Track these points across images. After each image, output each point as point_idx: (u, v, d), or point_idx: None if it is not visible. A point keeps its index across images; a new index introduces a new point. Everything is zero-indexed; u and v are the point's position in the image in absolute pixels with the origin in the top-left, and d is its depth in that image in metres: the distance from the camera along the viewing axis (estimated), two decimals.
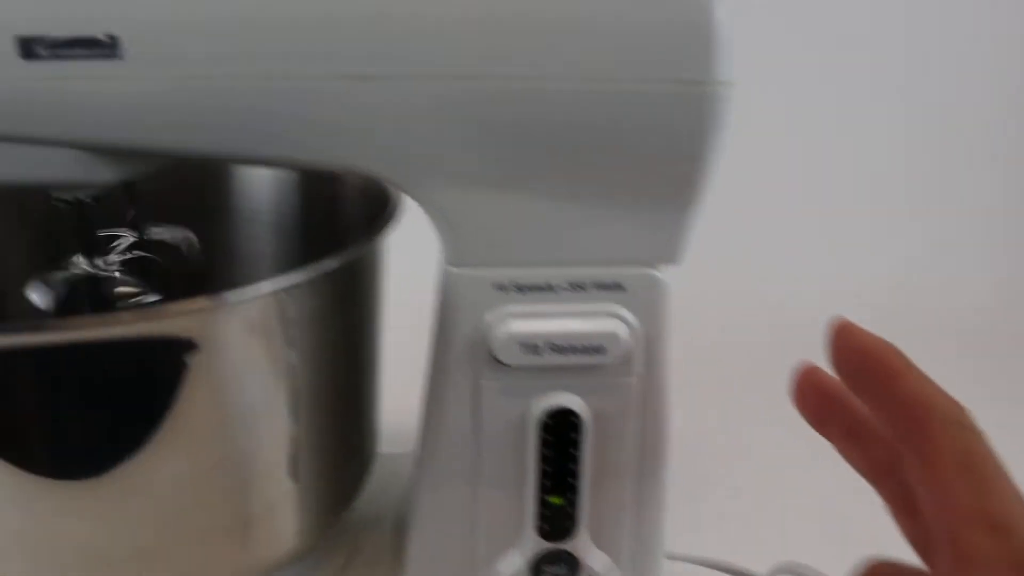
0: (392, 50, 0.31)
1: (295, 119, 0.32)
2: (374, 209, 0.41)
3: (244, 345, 0.34)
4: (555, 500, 0.37)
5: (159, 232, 0.41)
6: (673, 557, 0.46)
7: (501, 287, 0.35)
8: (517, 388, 0.36)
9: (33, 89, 0.31)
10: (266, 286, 0.33)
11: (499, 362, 0.35)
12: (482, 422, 0.37)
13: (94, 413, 0.33)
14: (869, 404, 0.27)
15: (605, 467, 0.37)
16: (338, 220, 0.47)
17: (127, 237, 0.40)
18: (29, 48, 0.31)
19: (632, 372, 0.36)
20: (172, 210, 0.42)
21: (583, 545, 0.38)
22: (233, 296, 0.33)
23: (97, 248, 0.38)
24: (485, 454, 0.37)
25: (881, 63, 0.92)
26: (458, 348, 0.36)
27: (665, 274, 0.35)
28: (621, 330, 0.35)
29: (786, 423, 0.33)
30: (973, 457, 0.24)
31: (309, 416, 0.38)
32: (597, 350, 0.35)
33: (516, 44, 0.31)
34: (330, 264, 0.35)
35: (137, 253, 0.39)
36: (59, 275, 0.37)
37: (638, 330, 0.35)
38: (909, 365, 0.26)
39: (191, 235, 0.42)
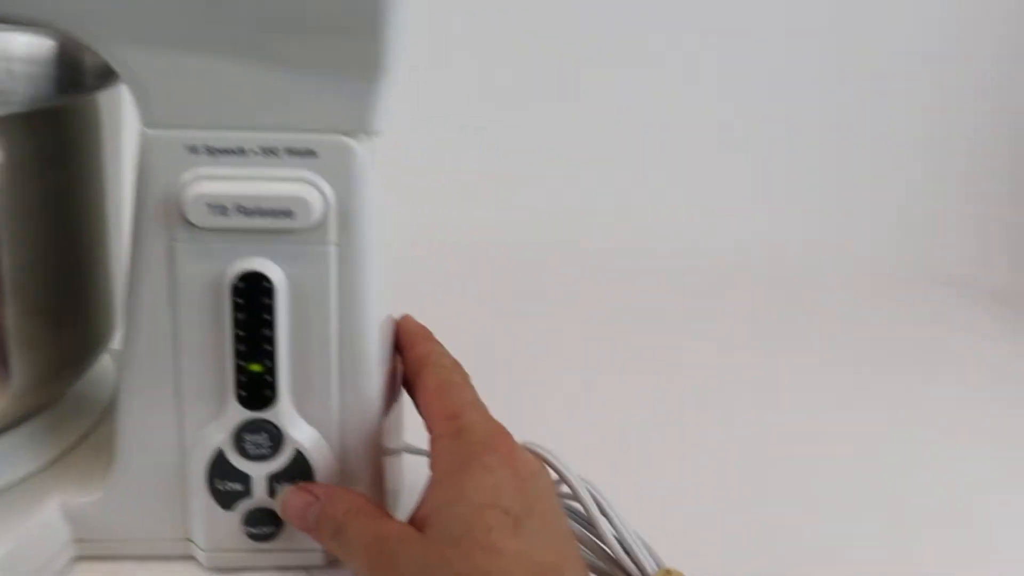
0: None
1: None
2: None
3: None
4: (253, 367, 0.38)
5: None
6: (412, 451, 0.47)
7: (193, 149, 0.36)
8: (211, 252, 0.37)
9: None
10: None
11: (191, 224, 0.36)
12: (178, 287, 0.37)
13: None
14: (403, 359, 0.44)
15: (308, 338, 0.38)
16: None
17: None
18: None
19: (328, 241, 0.37)
20: None
21: (286, 416, 0.39)
22: None
23: None
24: (184, 321, 0.38)
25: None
26: (154, 209, 0.36)
27: (363, 144, 0.37)
28: (311, 195, 0.36)
29: None
30: (445, 384, 0.40)
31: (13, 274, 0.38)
32: (286, 214, 0.36)
33: None
34: (41, 105, 0.35)
35: None
36: None
37: (331, 197, 0.37)
38: (426, 338, 0.44)
39: None
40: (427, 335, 0.44)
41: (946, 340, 0.82)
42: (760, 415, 0.64)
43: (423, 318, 0.47)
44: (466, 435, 0.37)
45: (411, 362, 0.43)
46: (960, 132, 1.04)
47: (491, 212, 0.94)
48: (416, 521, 0.36)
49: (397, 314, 0.45)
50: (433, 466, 0.37)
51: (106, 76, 0.41)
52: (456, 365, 0.42)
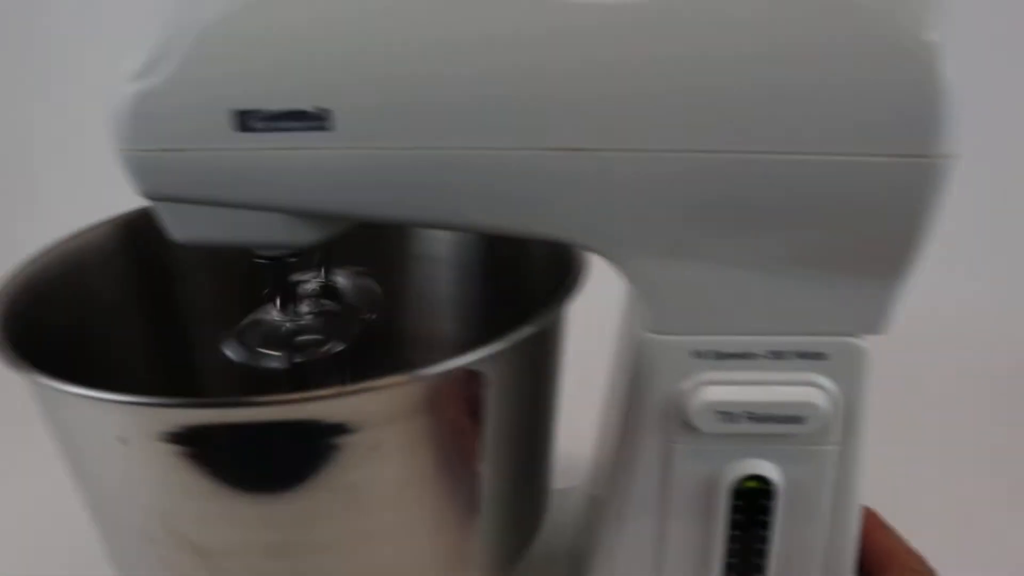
0: (603, 124, 0.30)
1: (505, 190, 0.32)
2: (556, 252, 0.41)
3: (439, 411, 0.34)
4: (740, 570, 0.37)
5: (344, 280, 0.41)
6: None
7: (699, 354, 0.34)
8: (709, 453, 0.35)
9: (246, 159, 0.32)
10: (460, 361, 0.33)
11: (695, 428, 0.35)
12: (671, 484, 0.36)
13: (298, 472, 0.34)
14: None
15: (796, 541, 0.36)
16: (520, 262, 0.47)
17: (313, 283, 0.40)
18: (244, 121, 0.31)
19: (829, 441, 0.35)
20: (354, 252, 0.42)
21: None
22: (423, 373, 0.32)
23: (290, 298, 0.38)
24: (672, 516, 0.37)
25: None
26: (652, 412, 0.35)
27: (868, 343, 0.34)
28: (821, 400, 0.34)
29: None
30: None
31: (495, 468, 0.37)
32: (795, 420, 0.34)
33: (726, 117, 0.30)
34: (523, 333, 0.34)
35: (324, 303, 0.39)
36: (252, 329, 0.38)
37: (838, 399, 0.34)
38: (881, 526, 0.39)
39: (374, 284, 0.42)
40: (881, 522, 0.41)
41: None
42: None
43: None
44: None
45: (872, 554, 0.39)
46: None
47: None
48: None
49: None
50: None
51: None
52: (924, 571, 0.38)
